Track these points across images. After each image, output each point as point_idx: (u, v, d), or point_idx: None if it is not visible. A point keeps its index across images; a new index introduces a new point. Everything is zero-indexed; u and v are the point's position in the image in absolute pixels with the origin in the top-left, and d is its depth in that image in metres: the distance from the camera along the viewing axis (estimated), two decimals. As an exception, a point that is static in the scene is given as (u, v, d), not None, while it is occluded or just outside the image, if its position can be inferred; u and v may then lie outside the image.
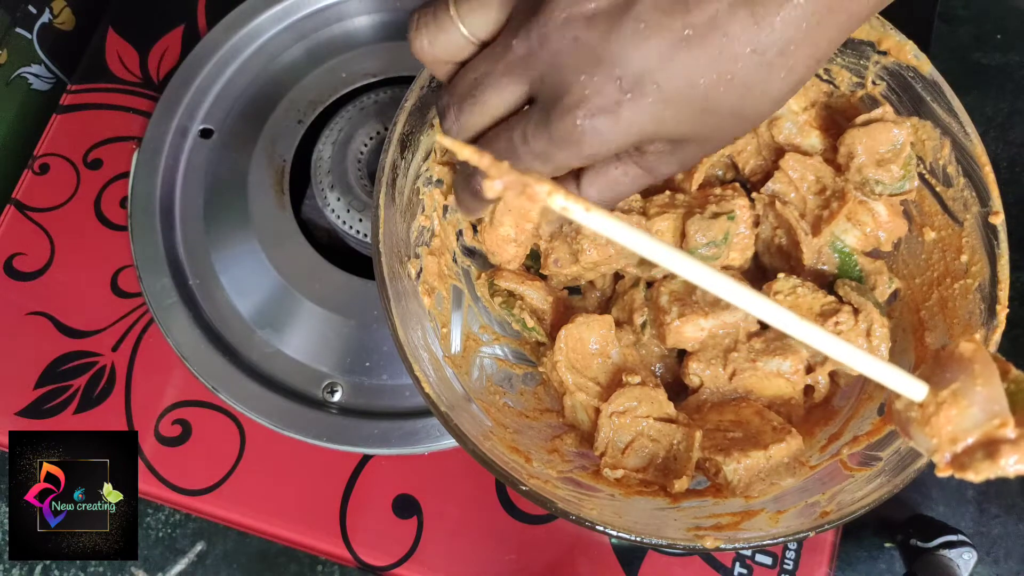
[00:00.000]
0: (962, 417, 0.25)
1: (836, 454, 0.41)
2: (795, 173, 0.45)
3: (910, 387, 0.26)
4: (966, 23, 0.74)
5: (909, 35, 0.43)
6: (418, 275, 0.43)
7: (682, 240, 0.46)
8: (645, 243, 0.22)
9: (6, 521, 0.59)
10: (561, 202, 0.21)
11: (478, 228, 0.46)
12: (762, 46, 0.28)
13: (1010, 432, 0.23)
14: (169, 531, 0.59)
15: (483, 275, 0.47)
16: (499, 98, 0.32)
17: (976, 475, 0.24)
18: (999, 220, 0.40)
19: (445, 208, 0.47)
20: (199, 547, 0.58)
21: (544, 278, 0.48)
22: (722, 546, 0.36)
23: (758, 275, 0.48)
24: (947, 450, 0.25)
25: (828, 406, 0.45)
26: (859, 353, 0.25)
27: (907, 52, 0.43)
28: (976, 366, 0.25)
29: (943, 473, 0.24)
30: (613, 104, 0.29)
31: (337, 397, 0.53)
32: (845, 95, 0.46)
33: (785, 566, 0.49)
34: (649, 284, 0.47)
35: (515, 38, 0.30)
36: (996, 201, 0.40)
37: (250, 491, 0.53)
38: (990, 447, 0.23)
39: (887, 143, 0.43)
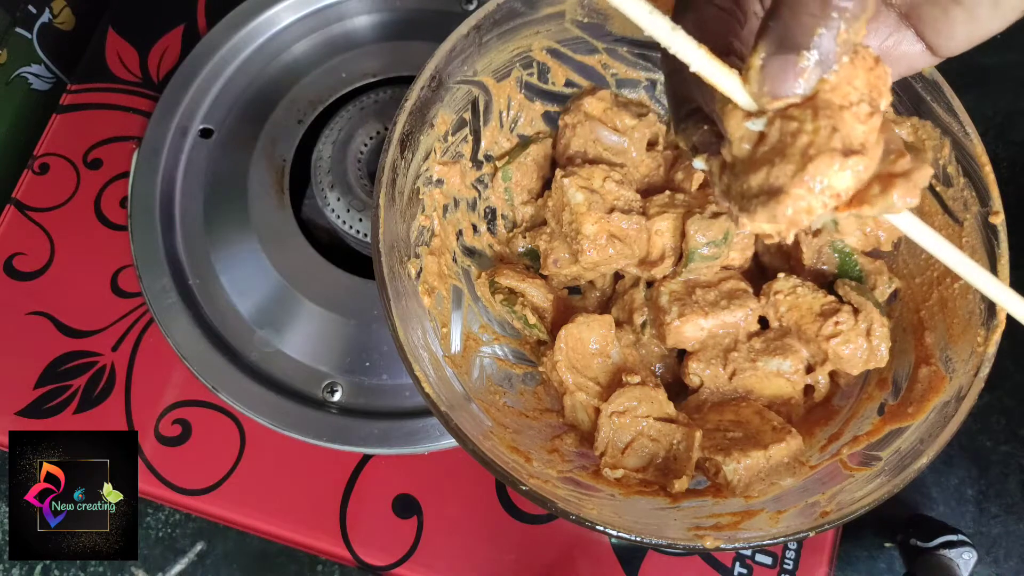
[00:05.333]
0: None
1: (836, 454, 0.41)
2: (795, 173, 0.45)
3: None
4: (966, 23, 0.74)
5: (909, 35, 0.42)
6: (418, 275, 0.43)
7: (682, 240, 0.46)
8: None
9: (6, 521, 0.59)
10: None
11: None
12: None
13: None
14: (169, 531, 0.59)
15: (483, 274, 0.47)
16: None
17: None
18: (999, 220, 0.40)
19: (445, 208, 0.47)
20: (199, 547, 0.58)
21: (544, 278, 0.48)
22: (722, 546, 0.36)
23: (758, 275, 0.48)
24: None
25: (828, 406, 0.45)
26: None
27: (907, 52, 0.42)
28: None
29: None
30: None
31: (337, 397, 0.53)
32: (845, 95, 0.46)
33: (785, 566, 0.49)
34: (649, 284, 0.47)
35: None
36: (996, 201, 0.40)
37: (250, 491, 0.53)
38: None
39: (887, 143, 0.43)
